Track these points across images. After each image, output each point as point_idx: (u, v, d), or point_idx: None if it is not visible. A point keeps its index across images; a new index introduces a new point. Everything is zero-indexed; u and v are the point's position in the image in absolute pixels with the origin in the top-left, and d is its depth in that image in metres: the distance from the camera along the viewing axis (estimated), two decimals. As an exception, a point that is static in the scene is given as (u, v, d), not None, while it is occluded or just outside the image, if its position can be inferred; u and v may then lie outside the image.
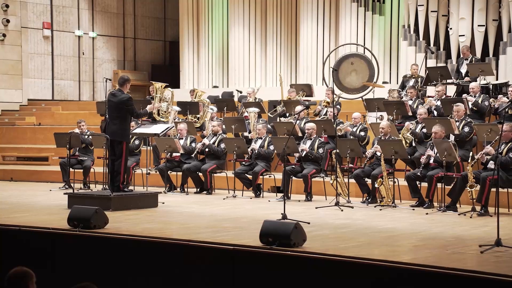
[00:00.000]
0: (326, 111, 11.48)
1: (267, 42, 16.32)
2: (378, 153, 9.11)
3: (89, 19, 17.84)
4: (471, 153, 8.71)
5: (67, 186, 10.92)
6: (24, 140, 14.84)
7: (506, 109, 9.28)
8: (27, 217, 7.76)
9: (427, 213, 8.21)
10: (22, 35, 16.62)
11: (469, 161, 8.23)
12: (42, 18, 16.97)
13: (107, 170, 8.95)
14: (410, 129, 9.81)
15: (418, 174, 8.68)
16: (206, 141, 10.61)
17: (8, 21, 16.28)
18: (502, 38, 13.07)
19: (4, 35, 16.22)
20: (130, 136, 9.59)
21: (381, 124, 9.44)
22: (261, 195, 10.08)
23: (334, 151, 9.65)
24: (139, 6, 18.80)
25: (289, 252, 5.67)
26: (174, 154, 10.69)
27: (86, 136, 11.26)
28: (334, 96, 11.58)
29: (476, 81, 11.11)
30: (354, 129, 10.58)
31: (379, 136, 9.41)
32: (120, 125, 8.60)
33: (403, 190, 9.15)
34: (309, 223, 7.00)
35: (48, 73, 17.20)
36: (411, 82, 12.30)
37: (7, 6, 16.26)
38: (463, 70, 11.99)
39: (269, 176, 10.24)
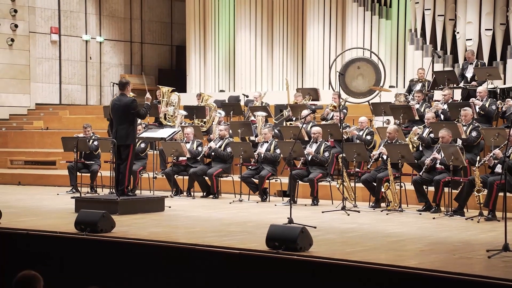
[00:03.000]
0: (333, 115, 11.48)
1: (274, 46, 16.34)
2: (384, 156, 9.10)
3: (96, 24, 17.93)
4: (478, 157, 8.68)
5: (74, 190, 10.95)
6: (32, 144, 14.90)
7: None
8: (34, 221, 7.79)
9: (434, 218, 8.18)
10: (30, 39, 16.72)
11: (476, 165, 8.20)
12: (50, 23, 17.07)
13: (114, 174, 8.97)
14: (418, 133, 9.78)
15: (421, 175, 8.67)
16: (212, 144, 10.62)
17: (16, 26, 16.38)
18: (509, 42, 13.03)
19: (12, 40, 16.32)
20: (137, 140, 9.60)
21: (388, 129, 9.42)
22: (268, 199, 10.08)
23: (341, 155, 9.64)
24: (146, 10, 18.88)
25: (295, 257, 5.67)
26: (181, 158, 10.71)
27: (91, 142, 11.26)
28: (341, 100, 11.57)
29: (483, 85, 11.08)
30: (361, 133, 10.57)
31: (385, 140, 9.40)
32: (128, 129, 8.61)
33: (410, 195, 9.13)
34: (315, 227, 7.00)
35: (56, 78, 17.28)
36: (418, 86, 12.28)
37: (15, 11, 16.36)
38: (469, 74, 11.96)
39: (276, 180, 10.24)
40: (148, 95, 9.16)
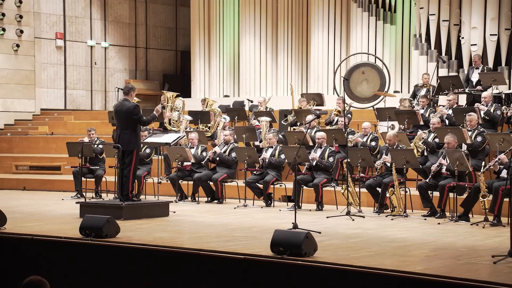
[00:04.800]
0: (337, 120, 11.48)
1: (278, 52, 16.36)
2: (388, 164, 9.08)
3: (101, 29, 17.99)
4: (483, 162, 8.67)
5: (79, 195, 10.97)
6: (37, 150, 14.94)
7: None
8: (39, 226, 7.81)
9: (439, 223, 8.17)
10: (35, 45, 16.78)
11: (481, 170, 8.18)
12: (55, 29, 17.13)
13: (118, 179, 8.99)
14: (423, 138, 9.77)
15: (427, 181, 8.65)
16: (217, 149, 10.63)
17: (22, 31, 16.45)
18: (514, 47, 13.02)
19: (18, 46, 16.39)
20: (142, 145, 9.60)
21: (387, 135, 9.42)
22: (272, 205, 10.07)
23: (345, 160, 9.63)
24: (151, 16, 18.93)
25: (300, 262, 5.66)
26: (185, 163, 10.72)
27: (96, 146, 11.31)
28: (345, 105, 11.57)
29: (487, 90, 11.06)
30: (365, 139, 10.56)
31: (386, 146, 9.39)
32: (131, 134, 8.64)
33: (415, 200, 9.12)
34: (320, 232, 6.99)
35: (61, 83, 17.34)
36: (423, 91, 12.27)
37: (21, 17, 16.44)
38: (474, 79, 11.94)
39: (280, 185, 10.24)
40: (159, 107, 9.14)
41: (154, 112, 8.99)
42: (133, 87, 8.93)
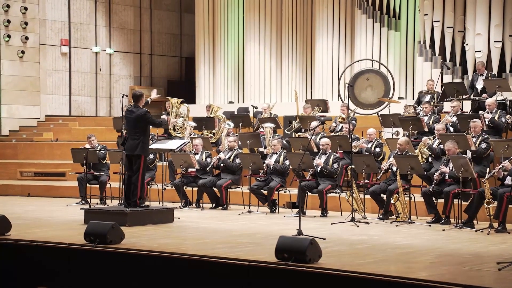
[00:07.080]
0: (342, 126, 11.48)
1: (283, 58, 16.39)
2: (394, 168, 9.07)
3: (106, 36, 18.06)
4: (488, 169, 8.65)
5: (83, 202, 10.99)
6: (42, 156, 14.98)
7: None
8: (44, 233, 7.82)
9: (443, 230, 8.15)
10: (40, 52, 16.85)
11: (486, 177, 8.16)
12: (60, 35, 17.20)
13: (123, 185, 9.00)
14: (428, 144, 9.77)
15: (431, 189, 8.64)
16: (222, 155, 10.64)
17: (27, 38, 16.53)
18: (519, 53, 13.00)
19: (23, 52, 16.46)
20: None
21: (399, 140, 9.41)
22: (277, 211, 10.07)
23: (350, 166, 9.63)
24: (156, 22, 19.00)
25: (304, 268, 5.66)
26: (190, 170, 10.74)
27: (98, 151, 11.32)
28: (350, 111, 11.58)
29: (492, 97, 11.05)
30: (369, 145, 10.55)
31: (396, 151, 9.38)
32: (139, 140, 8.68)
33: (419, 206, 9.10)
34: (324, 239, 6.98)
35: (66, 89, 17.40)
36: (427, 98, 12.26)
37: (26, 23, 16.52)
38: (479, 86, 11.93)
39: (285, 192, 10.24)
40: (166, 117, 9.21)
41: (163, 117, 9.03)
42: (142, 93, 9.00)
